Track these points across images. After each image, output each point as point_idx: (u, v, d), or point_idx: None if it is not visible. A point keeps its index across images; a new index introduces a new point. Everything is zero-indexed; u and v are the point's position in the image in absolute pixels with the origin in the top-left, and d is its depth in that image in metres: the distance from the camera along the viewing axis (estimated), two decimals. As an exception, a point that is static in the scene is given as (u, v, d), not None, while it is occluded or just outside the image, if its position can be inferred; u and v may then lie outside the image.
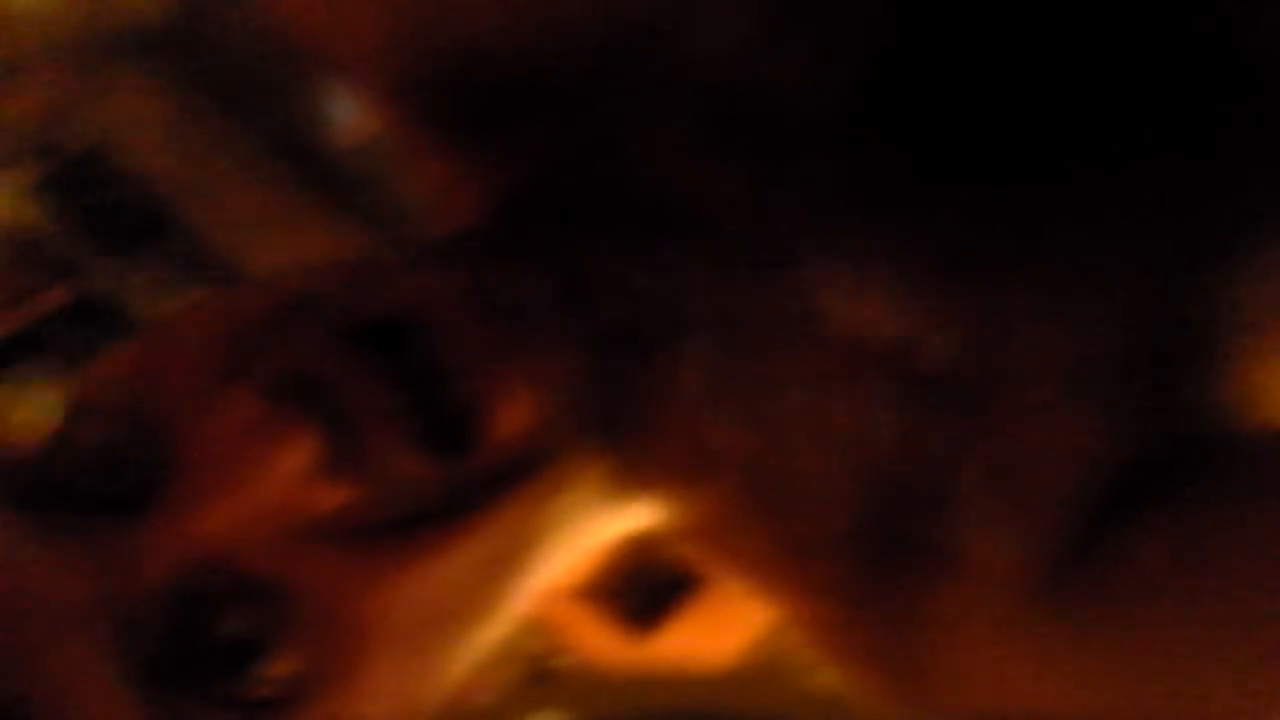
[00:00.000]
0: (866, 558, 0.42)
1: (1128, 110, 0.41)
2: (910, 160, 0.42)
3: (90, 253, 1.40)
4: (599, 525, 0.47)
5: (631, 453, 0.45)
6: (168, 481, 0.39)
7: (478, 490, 0.41)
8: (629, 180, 0.46)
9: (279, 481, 0.38)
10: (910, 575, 0.41)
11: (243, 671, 0.38)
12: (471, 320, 0.41)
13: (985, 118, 0.42)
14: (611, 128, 0.45)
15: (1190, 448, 0.39)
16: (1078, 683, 0.38)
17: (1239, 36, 0.41)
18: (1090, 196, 0.41)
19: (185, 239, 1.46)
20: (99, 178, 1.41)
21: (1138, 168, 0.41)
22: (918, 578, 0.41)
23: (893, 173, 0.42)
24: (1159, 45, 0.41)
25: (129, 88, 1.46)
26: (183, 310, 0.46)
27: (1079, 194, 0.41)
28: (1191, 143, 0.41)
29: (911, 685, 0.42)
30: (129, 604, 0.38)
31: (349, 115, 1.48)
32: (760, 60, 0.43)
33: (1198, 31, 0.41)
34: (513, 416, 0.41)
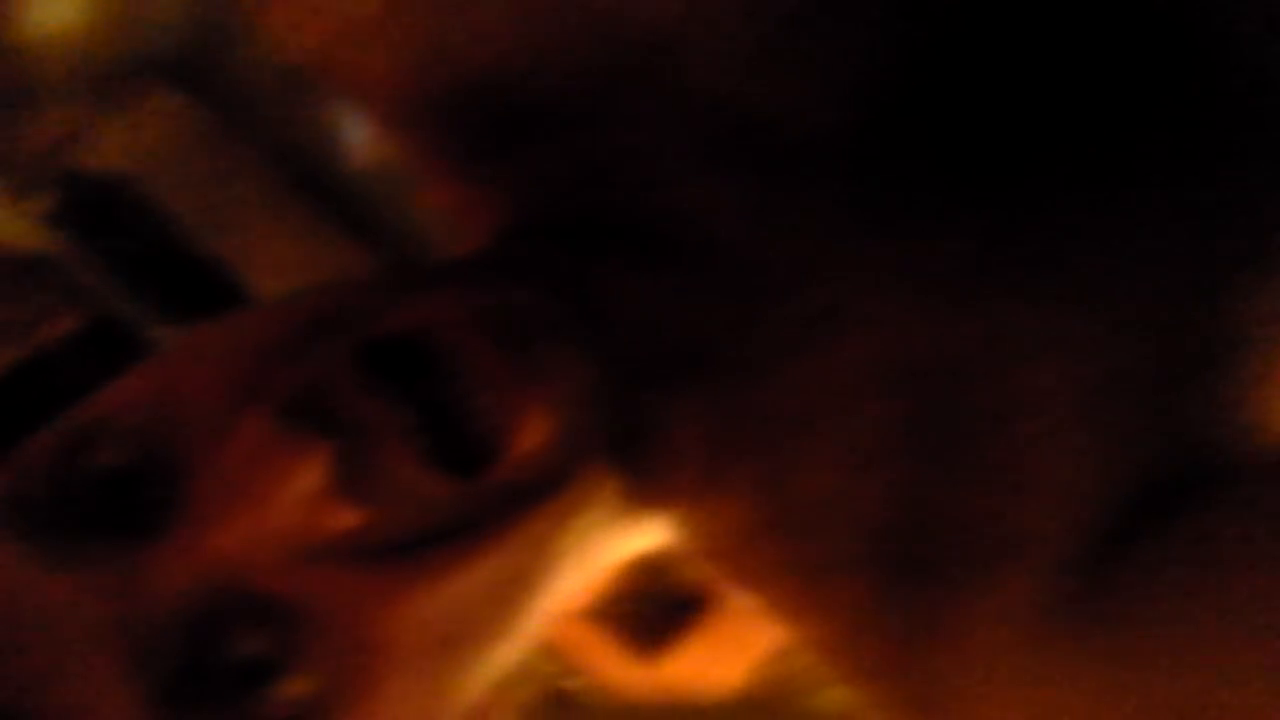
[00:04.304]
0: (883, 578, 0.42)
1: (1143, 128, 0.41)
2: (917, 181, 0.42)
3: (106, 279, 1.40)
4: (613, 544, 0.47)
5: (644, 472, 0.45)
6: (182, 503, 0.39)
7: (493, 510, 0.41)
8: (635, 204, 0.46)
9: (293, 502, 0.38)
10: (928, 596, 0.41)
11: (257, 693, 0.38)
12: (483, 342, 0.41)
13: (993, 137, 0.42)
14: (617, 152, 0.46)
15: (1207, 468, 0.39)
16: (1096, 703, 0.37)
17: (1261, 57, 0.41)
18: (1103, 215, 0.40)
19: (201, 265, 1.47)
20: (116, 205, 1.42)
21: (1152, 186, 0.40)
22: (935, 598, 0.40)
23: (899, 194, 0.42)
24: (1175, 64, 0.41)
25: (147, 115, 1.47)
26: (196, 333, 0.46)
27: (1092, 212, 0.41)
28: (1208, 160, 0.40)
29: (927, 706, 0.41)
30: (143, 627, 0.38)
31: (362, 141, 1.49)
32: (764, 83, 0.43)
33: (1218, 52, 0.41)
34: (528, 437, 0.41)
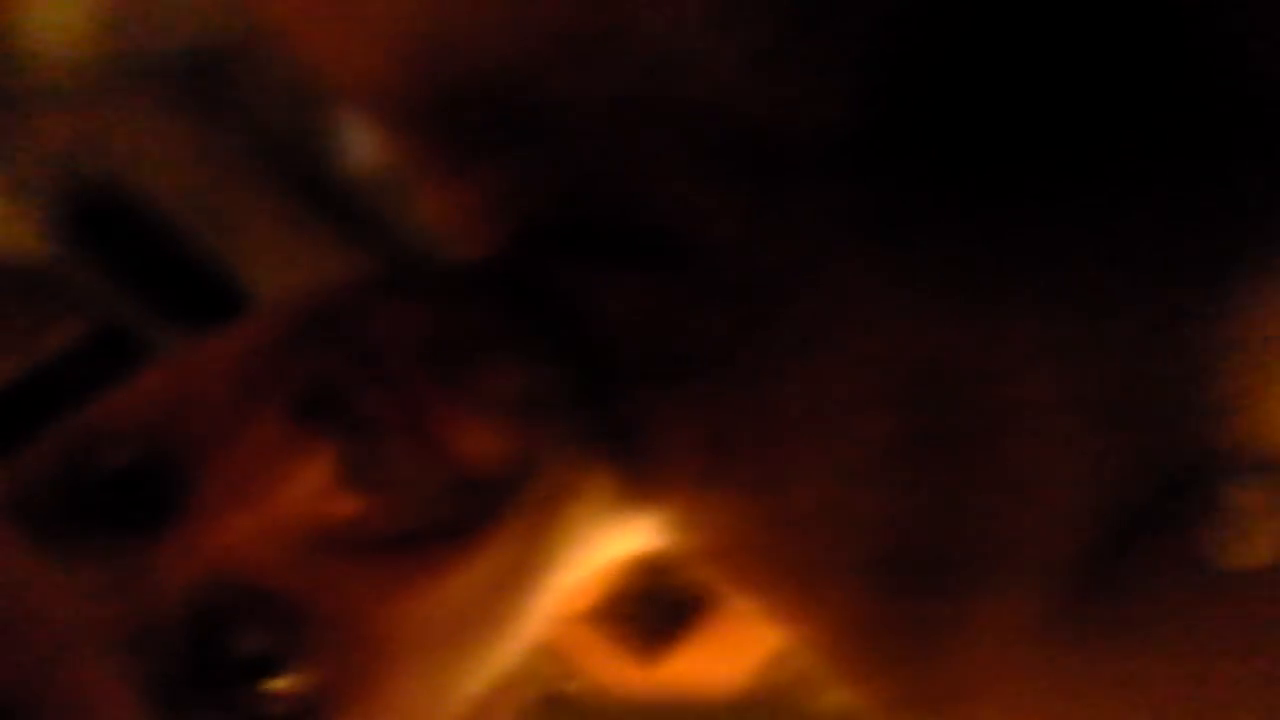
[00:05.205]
0: (882, 583, 0.42)
1: (1143, 131, 0.41)
2: (914, 186, 0.42)
3: (109, 285, 1.41)
4: (611, 540, 0.47)
5: (640, 469, 0.46)
6: (186, 501, 0.39)
7: (487, 504, 0.41)
8: (630, 207, 0.46)
9: (296, 496, 0.39)
10: (928, 602, 0.41)
11: (259, 688, 0.38)
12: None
13: (991, 141, 0.42)
14: (613, 156, 0.46)
15: (1208, 473, 0.39)
16: (1098, 708, 0.38)
17: (1263, 64, 0.41)
18: (1104, 220, 0.40)
19: (202, 270, 1.47)
20: (118, 210, 1.42)
21: (1152, 189, 0.40)
22: (936, 604, 0.41)
23: (896, 199, 0.42)
24: (1176, 65, 0.41)
25: (149, 120, 1.47)
26: (200, 336, 0.47)
27: (1092, 217, 0.40)
28: (1209, 163, 0.40)
29: (928, 709, 0.42)
30: (147, 622, 0.38)
31: (363, 145, 1.49)
32: (758, 90, 0.43)
33: (1219, 52, 0.41)
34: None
